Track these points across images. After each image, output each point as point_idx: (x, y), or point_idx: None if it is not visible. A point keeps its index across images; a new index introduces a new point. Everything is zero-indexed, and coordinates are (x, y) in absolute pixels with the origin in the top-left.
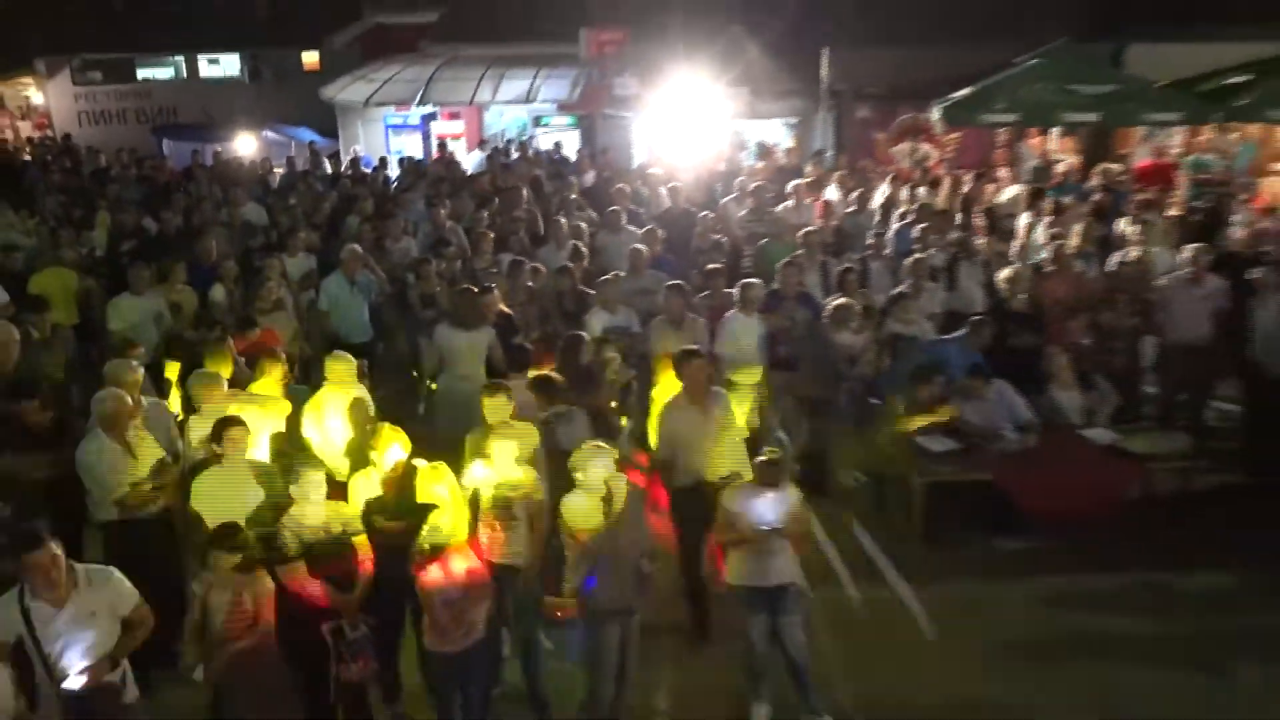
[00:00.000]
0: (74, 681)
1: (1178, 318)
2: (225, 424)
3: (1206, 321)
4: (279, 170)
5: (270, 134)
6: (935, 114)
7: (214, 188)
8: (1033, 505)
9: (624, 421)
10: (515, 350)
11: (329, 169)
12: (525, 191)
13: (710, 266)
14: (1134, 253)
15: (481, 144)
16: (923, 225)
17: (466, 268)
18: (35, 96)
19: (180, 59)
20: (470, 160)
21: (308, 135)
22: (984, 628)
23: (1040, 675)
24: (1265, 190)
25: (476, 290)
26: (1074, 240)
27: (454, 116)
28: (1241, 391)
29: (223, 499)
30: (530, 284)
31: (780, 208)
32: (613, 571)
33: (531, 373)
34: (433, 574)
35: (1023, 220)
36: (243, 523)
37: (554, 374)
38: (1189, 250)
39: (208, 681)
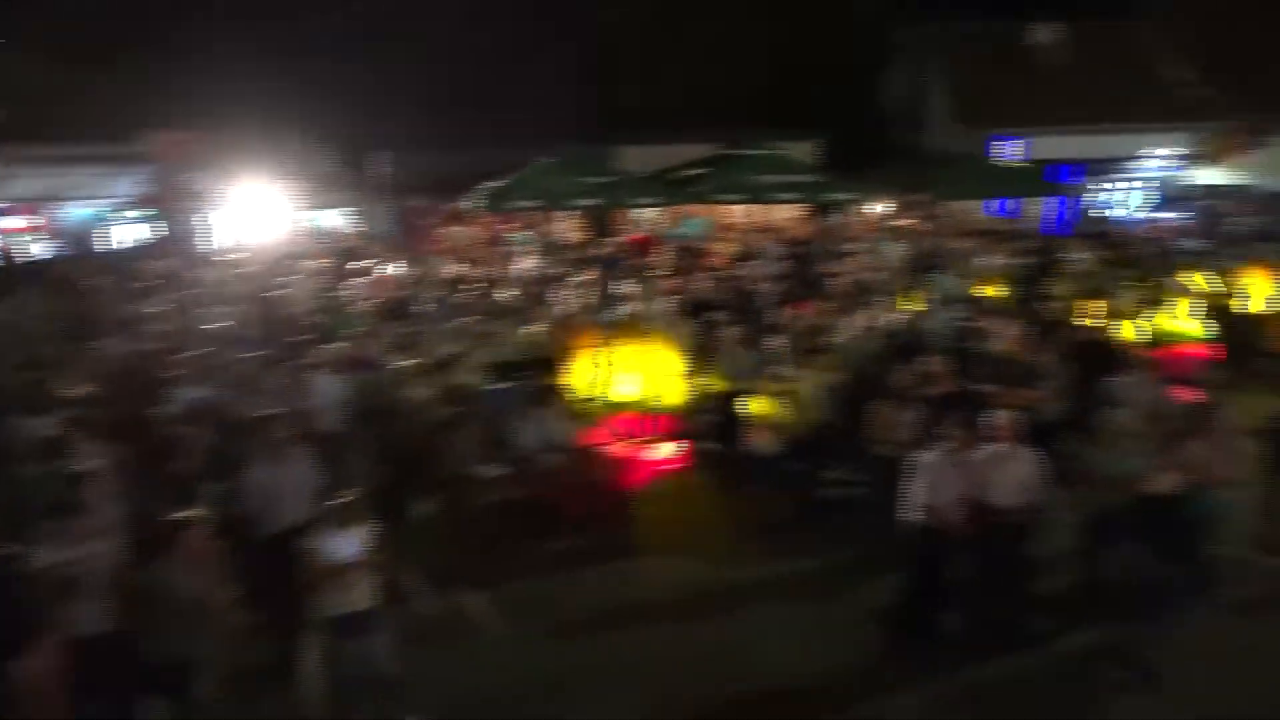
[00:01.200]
0: None
1: None
2: None
3: None
4: None
5: None
6: (474, 202)
7: None
8: (568, 510)
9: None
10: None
11: None
12: (105, 279)
13: (298, 338)
14: (635, 305)
15: (55, 237)
16: (466, 293)
17: (38, 356)
18: None
19: None
20: (44, 251)
21: None
22: (545, 614)
23: (596, 643)
24: (722, 251)
25: (42, 378)
26: (590, 297)
27: (28, 211)
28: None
29: None
30: (111, 366)
31: (347, 283)
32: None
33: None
34: None
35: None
36: None
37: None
38: (669, 300)
39: None
